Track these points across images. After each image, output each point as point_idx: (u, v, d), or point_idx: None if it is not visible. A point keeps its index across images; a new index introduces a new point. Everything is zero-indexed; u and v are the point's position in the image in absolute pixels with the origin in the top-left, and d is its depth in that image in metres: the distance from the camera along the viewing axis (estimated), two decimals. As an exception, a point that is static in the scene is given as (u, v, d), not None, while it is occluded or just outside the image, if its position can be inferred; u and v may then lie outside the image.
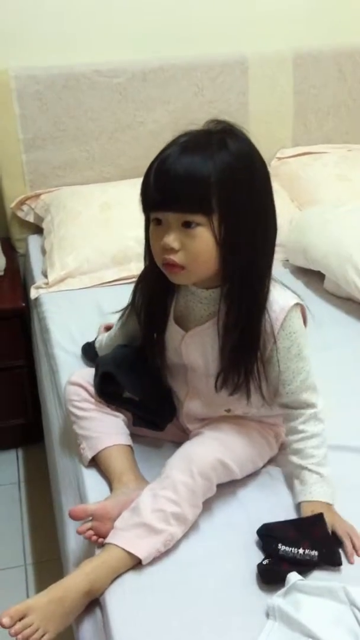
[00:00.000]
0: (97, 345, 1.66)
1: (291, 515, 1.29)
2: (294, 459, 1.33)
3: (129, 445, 1.43)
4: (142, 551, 1.19)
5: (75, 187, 2.46)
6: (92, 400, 1.46)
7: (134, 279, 2.13)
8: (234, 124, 1.23)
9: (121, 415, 1.46)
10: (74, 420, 1.47)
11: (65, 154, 2.47)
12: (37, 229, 2.50)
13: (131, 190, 2.45)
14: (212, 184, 1.15)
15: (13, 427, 2.39)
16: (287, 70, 2.63)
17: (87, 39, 2.42)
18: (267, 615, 1.09)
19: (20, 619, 1.10)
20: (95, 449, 1.41)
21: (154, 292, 1.35)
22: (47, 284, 2.15)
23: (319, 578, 1.15)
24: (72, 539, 1.36)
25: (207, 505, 1.30)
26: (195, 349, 1.35)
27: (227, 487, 1.35)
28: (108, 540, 1.21)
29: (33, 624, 1.10)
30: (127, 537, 1.20)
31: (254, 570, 1.18)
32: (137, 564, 1.20)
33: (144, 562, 1.19)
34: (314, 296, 2.08)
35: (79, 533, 1.25)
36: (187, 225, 1.18)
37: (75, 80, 2.39)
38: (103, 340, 1.63)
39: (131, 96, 2.47)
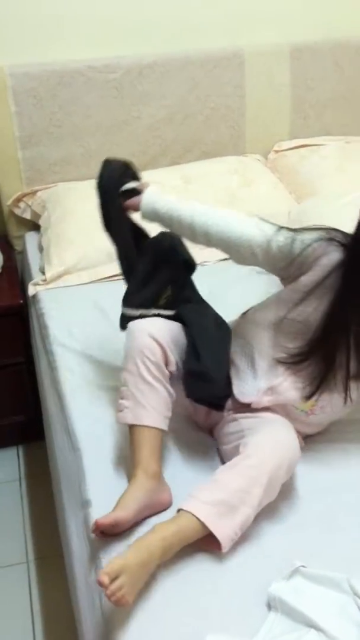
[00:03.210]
0: (187, 210, 1.46)
1: (289, 510, 1.29)
2: None
3: (164, 432, 1.39)
4: (223, 534, 1.18)
5: (71, 183, 2.45)
6: (163, 367, 1.39)
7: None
8: None
9: (173, 395, 1.41)
10: (131, 372, 1.39)
11: (61, 150, 2.46)
12: (34, 226, 2.49)
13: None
14: None
15: (14, 425, 2.38)
16: (284, 64, 2.62)
17: (81, 35, 2.41)
18: (269, 606, 1.08)
19: (113, 580, 1.09)
20: (140, 420, 1.35)
21: None
22: (44, 280, 2.14)
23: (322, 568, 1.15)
24: (74, 537, 1.36)
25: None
26: None
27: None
28: (188, 509, 1.19)
29: (123, 587, 1.08)
30: (210, 513, 1.18)
31: (255, 564, 1.18)
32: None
33: (223, 550, 1.19)
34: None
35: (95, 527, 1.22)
36: None
37: (70, 76, 2.38)
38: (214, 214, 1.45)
39: (127, 91, 2.46)
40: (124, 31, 2.44)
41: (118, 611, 1.11)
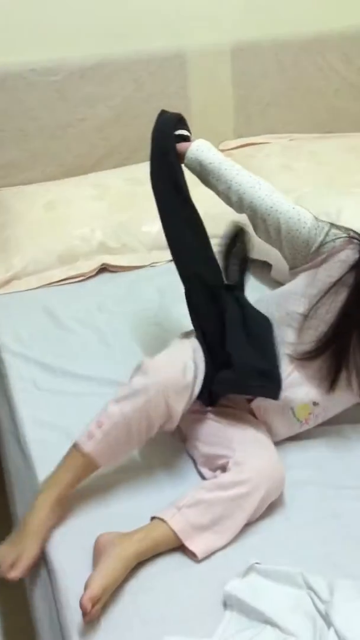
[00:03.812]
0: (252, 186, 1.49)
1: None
2: None
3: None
4: (204, 553, 1.20)
5: (16, 188, 2.42)
6: (155, 430, 1.31)
7: (83, 278, 2.15)
8: None
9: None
10: (122, 412, 1.28)
11: (5, 155, 2.43)
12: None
13: (76, 188, 2.44)
14: None
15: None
16: (226, 63, 2.63)
17: (20, 38, 2.37)
18: (225, 604, 1.08)
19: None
20: (97, 455, 1.28)
21: None
22: (-9, 287, 2.11)
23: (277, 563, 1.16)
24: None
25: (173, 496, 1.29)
26: None
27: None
28: (174, 528, 1.19)
29: (100, 608, 1.09)
30: (197, 539, 1.20)
31: (213, 563, 1.19)
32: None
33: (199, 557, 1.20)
34: (262, 285, 2.07)
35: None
36: None
37: (10, 80, 2.36)
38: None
39: (70, 94, 2.45)
40: (65, 33, 2.42)
41: (75, 619, 1.10)
